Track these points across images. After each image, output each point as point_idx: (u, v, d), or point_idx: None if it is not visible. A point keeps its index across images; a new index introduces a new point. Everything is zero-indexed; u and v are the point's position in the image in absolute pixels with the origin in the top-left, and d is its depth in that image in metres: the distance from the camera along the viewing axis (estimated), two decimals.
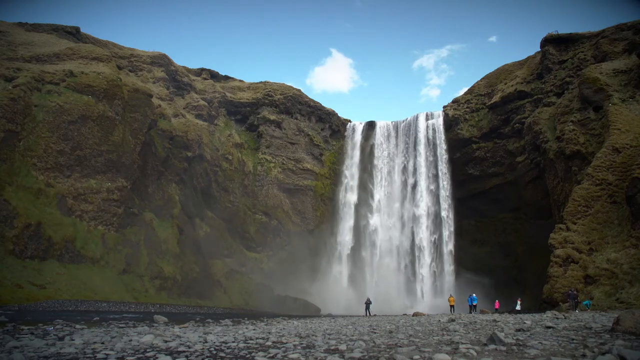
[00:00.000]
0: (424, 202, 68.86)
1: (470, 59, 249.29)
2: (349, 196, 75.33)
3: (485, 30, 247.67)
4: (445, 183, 68.51)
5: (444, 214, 67.46)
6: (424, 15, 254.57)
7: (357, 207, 74.20)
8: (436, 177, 69.55)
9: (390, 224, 71.38)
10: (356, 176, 76.08)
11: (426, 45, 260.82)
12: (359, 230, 73.36)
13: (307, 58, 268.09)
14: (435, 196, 68.94)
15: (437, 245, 66.90)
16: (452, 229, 66.70)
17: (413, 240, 68.46)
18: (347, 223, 73.98)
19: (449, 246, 65.94)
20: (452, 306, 39.86)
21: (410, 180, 71.27)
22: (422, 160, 70.56)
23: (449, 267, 64.86)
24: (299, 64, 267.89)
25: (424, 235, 67.46)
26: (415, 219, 69.01)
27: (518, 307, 39.02)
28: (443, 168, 69.08)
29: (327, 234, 74.11)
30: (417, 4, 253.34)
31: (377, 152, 75.53)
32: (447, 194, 68.00)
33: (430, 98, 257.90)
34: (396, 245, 69.82)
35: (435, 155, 70.30)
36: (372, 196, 73.87)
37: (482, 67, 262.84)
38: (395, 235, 70.49)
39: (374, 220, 72.40)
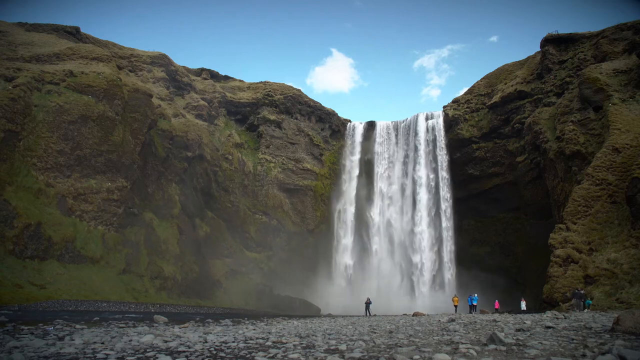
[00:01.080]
0: (423, 201, 68.92)
1: (471, 59, 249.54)
2: (349, 194, 75.40)
3: (487, 30, 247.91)
4: (445, 183, 68.54)
5: (443, 213, 67.50)
6: (424, 15, 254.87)
7: (357, 206, 74.26)
8: (436, 177, 69.58)
9: (390, 223, 71.43)
10: (356, 175, 76.12)
11: (427, 45, 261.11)
12: (359, 230, 73.42)
13: (308, 58, 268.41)
14: (435, 196, 68.97)
15: (437, 245, 66.95)
16: (452, 228, 66.75)
17: (414, 239, 68.51)
18: (347, 222, 74.05)
19: (448, 246, 66.01)
20: (456, 306, 39.89)
21: (410, 180, 71.31)
22: (421, 160, 70.59)
23: (448, 266, 64.92)
24: (299, 63, 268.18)
25: (424, 235, 67.50)
26: (415, 218, 69.05)
27: (523, 307, 38.79)
28: (443, 168, 69.11)
29: (327, 233, 74.14)
30: (417, 3, 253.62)
31: (377, 152, 75.57)
32: (447, 194, 68.03)
33: (431, 98, 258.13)
34: (396, 245, 69.88)
35: (435, 155, 70.33)
36: (371, 197, 73.91)
37: (483, 67, 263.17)
38: (395, 234, 70.54)
39: (374, 220, 72.48)
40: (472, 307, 39.11)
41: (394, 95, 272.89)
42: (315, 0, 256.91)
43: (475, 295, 40.63)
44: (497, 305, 41.85)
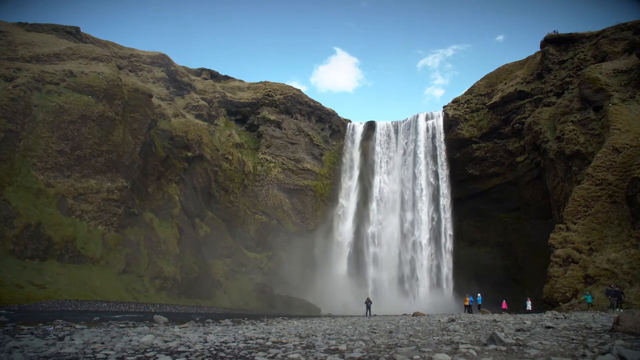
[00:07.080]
0: (423, 201, 68.91)
1: (476, 59, 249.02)
2: (349, 195, 75.35)
3: (492, 29, 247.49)
4: (444, 183, 68.53)
5: (443, 213, 67.49)
6: (429, 15, 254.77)
7: (357, 206, 74.22)
8: (436, 177, 69.58)
9: (390, 224, 71.41)
10: (356, 175, 76.13)
11: (431, 45, 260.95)
12: (359, 231, 73.39)
13: (312, 57, 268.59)
14: (435, 196, 68.97)
15: (436, 246, 66.95)
16: (451, 229, 66.72)
17: (413, 240, 68.50)
18: (347, 222, 74.02)
19: (448, 246, 65.97)
20: (466, 306, 39.75)
21: (410, 180, 71.29)
22: (421, 160, 70.60)
23: (448, 267, 64.89)
24: (303, 62, 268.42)
25: (423, 235, 67.50)
26: (415, 218, 69.03)
27: (529, 307, 38.51)
28: (443, 168, 69.11)
29: (327, 233, 74.11)
30: (422, 3, 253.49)
31: (376, 152, 75.58)
32: (447, 194, 68.01)
33: (434, 98, 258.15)
34: (396, 245, 69.86)
35: (435, 155, 70.33)
36: (371, 197, 73.90)
37: (487, 67, 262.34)
38: (395, 236, 70.51)
39: (374, 220, 72.46)
40: (470, 307, 38.99)
41: (397, 95, 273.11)
42: (319, 0, 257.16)
43: (479, 295, 40.45)
44: (504, 305, 41.33)
